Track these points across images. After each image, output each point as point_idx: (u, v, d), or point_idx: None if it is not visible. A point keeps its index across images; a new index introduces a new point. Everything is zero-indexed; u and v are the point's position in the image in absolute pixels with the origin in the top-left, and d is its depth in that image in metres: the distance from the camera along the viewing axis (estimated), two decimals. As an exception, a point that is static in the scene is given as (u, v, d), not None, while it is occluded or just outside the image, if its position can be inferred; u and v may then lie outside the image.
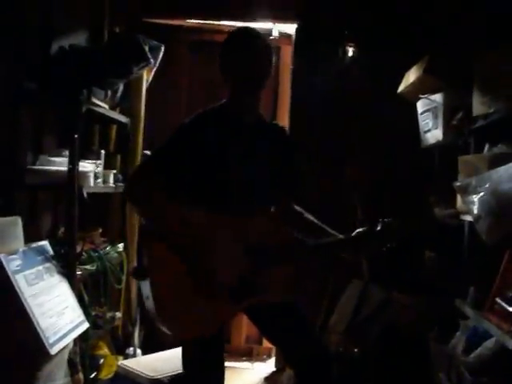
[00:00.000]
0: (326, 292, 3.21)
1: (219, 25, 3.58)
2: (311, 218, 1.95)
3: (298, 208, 1.98)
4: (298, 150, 2.05)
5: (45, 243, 2.39)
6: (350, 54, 3.44)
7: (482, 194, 2.10)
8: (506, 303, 2.06)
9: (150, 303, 1.70)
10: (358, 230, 1.80)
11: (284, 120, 3.60)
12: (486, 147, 2.46)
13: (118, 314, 3.03)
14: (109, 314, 2.90)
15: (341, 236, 1.84)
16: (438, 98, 2.85)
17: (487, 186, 2.10)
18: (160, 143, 1.79)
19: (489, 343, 2.10)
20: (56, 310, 2.24)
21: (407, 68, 3.04)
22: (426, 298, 2.85)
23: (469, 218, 2.33)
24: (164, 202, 1.72)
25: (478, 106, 2.41)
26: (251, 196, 1.82)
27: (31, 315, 2.05)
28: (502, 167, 2.11)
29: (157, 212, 1.73)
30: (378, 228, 1.78)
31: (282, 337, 1.86)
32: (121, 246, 3.01)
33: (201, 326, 1.71)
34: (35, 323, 2.05)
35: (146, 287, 1.71)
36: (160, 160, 1.77)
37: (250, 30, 1.87)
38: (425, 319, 2.75)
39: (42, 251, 2.33)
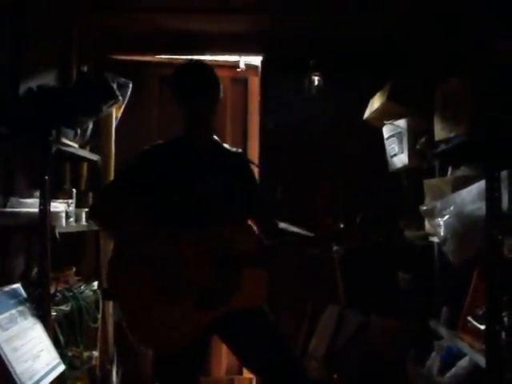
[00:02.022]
0: (304, 318, 3.23)
1: (187, 59, 3.63)
2: (298, 229, 2.06)
3: (282, 224, 2.09)
4: (251, 169, 2.15)
5: (17, 286, 2.36)
6: (316, 82, 3.52)
7: (447, 216, 2.17)
8: (477, 321, 2.11)
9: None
10: (338, 225, 1.94)
11: (254, 149, 3.65)
12: (449, 170, 2.54)
13: (95, 353, 2.99)
14: (85, 354, 2.86)
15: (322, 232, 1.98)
16: (402, 123, 2.94)
17: (451, 208, 2.17)
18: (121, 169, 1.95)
19: (463, 362, 2.14)
20: (31, 353, 2.20)
21: (372, 94, 3.13)
22: (402, 319, 2.90)
23: (437, 239, 2.39)
24: (128, 217, 1.84)
25: (440, 130, 2.49)
26: (208, 211, 1.90)
27: (6, 361, 2.02)
28: (465, 190, 2.18)
29: (120, 227, 1.84)
30: (357, 221, 1.93)
31: (258, 360, 1.89)
32: (95, 284, 2.99)
33: (174, 337, 1.76)
34: (10, 369, 2.01)
35: (117, 308, 1.79)
36: (122, 181, 1.92)
37: (194, 63, 2.03)
38: (401, 341, 2.78)
39: (14, 294, 2.30)
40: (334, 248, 2.05)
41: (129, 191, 1.88)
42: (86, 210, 2.93)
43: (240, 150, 2.16)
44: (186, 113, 1.97)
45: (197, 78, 1.93)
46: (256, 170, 2.22)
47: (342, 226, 1.95)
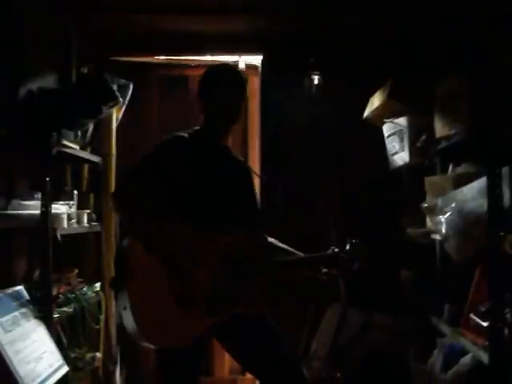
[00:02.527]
0: (306, 318, 3.23)
1: (187, 60, 3.64)
2: (285, 247, 2.06)
3: (271, 239, 2.08)
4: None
5: (20, 288, 2.36)
6: (316, 81, 3.52)
7: (448, 213, 2.17)
8: (480, 318, 2.10)
9: (127, 314, 1.71)
10: (330, 250, 1.96)
11: (254, 149, 3.66)
12: (450, 167, 2.54)
13: (98, 355, 2.99)
14: (88, 355, 2.86)
15: (314, 254, 2.00)
16: (402, 121, 2.93)
17: (453, 205, 2.16)
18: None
19: (466, 359, 2.14)
20: (34, 355, 2.21)
21: (372, 92, 3.13)
22: (405, 317, 2.89)
23: (439, 237, 2.38)
24: (152, 211, 1.79)
25: (440, 128, 2.49)
26: (228, 214, 1.90)
27: (9, 363, 2.02)
28: (466, 187, 2.18)
29: (144, 218, 1.79)
30: (347, 247, 1.94)
31: (258, 364, 1.89)
32: (98, 285, 3.00)
33: (178, 335, 1.75)
34: (13, 371, 2.02)
35: (123, 298, 1.72)
36: (145, 173, 1.83)
37: (232, 67, 2.12)
38: (404, 339, 2.78)
39: (17, 296, 2.31)
40: (325, 271, 2.05)
41: (156, 182, 1.84)
42: (88, 211, 2.95)
43: (244, 160, 2.21)
44: (215, 111, 1.98)
45: (235, 79, 1.99)
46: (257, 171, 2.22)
47: (335, 249, 1.97)
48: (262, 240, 1.96)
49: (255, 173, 2.25)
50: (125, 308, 1.71)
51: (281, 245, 2.06)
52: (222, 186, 1.94)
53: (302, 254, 2.01)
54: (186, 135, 1.94)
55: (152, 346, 1.77)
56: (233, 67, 2.12)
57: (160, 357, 1.88)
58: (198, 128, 2.02)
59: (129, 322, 1.71)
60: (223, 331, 1.88)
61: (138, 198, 1.79)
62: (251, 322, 1.88)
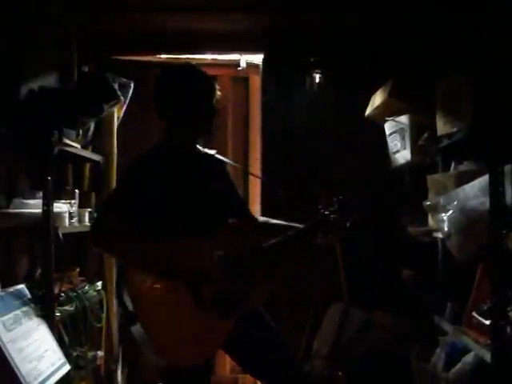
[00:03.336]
0: (308, 317, 3.23)
1: (188, 58, 3.64)
2: (279, 222, 2.08)
3: (262, 218, 2.13)
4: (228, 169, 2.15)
5: (21, 287, 2.36)
6: (317, 80, 3.52)
7: (450, 211, 2.16)
8: (482, 317, 2.10)
9: (146, 343, 1.67)
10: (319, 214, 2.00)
11: (256, 147, 3.65)
12: (452, 165, 2.54)
13: (100, 353, 3.00)
14: (90, 354, 2.87)
15: (306, 224, 2.01)
16: (403, 119, 2.93)
17: (455, 203, 2.16)
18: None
19: (468, 358, 2.13)
20: (36, 353, 2.21)
21: (374, 90, 3.12)
22: (406, 316, 2.89)
23: (441, 235, 2.38)
24: (134, 241, 1.72)
25: (442, 126, 2.49)
26: (210, 216, 1.86)
27: (11, 361, 2.02)
28: (468, 184, 2.18)
29: (128, 252, 1.72)
30: (335, 207, 1.98)
31: (258, 365, 1.89)
32: (99, 284, 3.00)
33: (200, 351, 1.72)
34: (15, 369, 2.02)
35: (137, 330, 1.68)
36: (120, 203, 1.75)
37: (189, 67, 1.95)
38: (406, 338, 2.78)
39: (19, 295, 2.31)
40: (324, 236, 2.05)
41: (131, 206, 1.75)
42: (89, 210, 2.95)
43: (212, 152, 2.09)
44: (182, 116, 1.89)
45: (198, 80, 1.89)
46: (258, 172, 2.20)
47: (322, 212, 1.99)
48: (255, 222, 1.95)
49: (252, 174, 2.22)
50: (144, 340, 1.67)
51: (273, 221, 2.06)
52: (200, 190, 1.88)
53: (295, 225, 2.00)
54: (150, 153, 1.87)
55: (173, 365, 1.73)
56: (193, 66, 1.95)
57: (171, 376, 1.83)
58: (160, 141, 1.95)
59: (149, 349, 1.67)
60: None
61: (116, 234, 1.71)
62: (250, 322, 1.86)
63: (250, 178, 3.63)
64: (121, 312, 1.88)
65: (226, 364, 3.62)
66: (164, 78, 1.91)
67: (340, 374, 2.81)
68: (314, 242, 2.06)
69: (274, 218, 2.17)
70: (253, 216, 2.11)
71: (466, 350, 2.18)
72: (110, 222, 1.71)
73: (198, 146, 2.01)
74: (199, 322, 1.72)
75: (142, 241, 1.72)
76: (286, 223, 2.03)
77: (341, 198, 1.99)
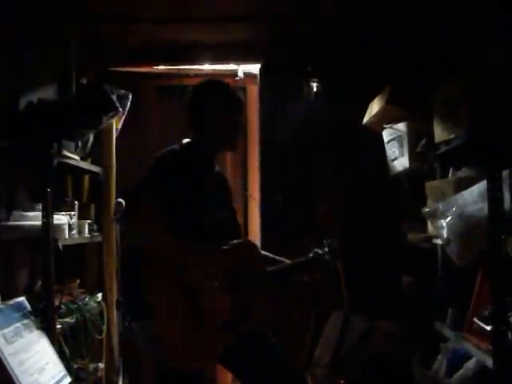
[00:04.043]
0: (309, 325, 3.22)
1: (186, 69, 3.66)
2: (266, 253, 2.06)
3: None
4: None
5: (22, 299, 2.36)
6: (315, 89, 3.53)
7: (449, 218, 2.17)
8: (483, 322, 2.10)
9: (149, 342, 1.71)
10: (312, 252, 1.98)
11: (254, 157, 3.66)
12: (451, 172, 2.55)
13: (101, 365, 2.99)
14: (91, 366, 2.86)
15: (292, 261, 2.00)
16: (401, 126, 2.94)
17: (454, 209, 2.17)
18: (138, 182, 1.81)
19: (470, 364, 2.13)
20: (37, 366, 2.21)
21: (371, 98, 3.14)
22: (407, 323, 2.88)
23: (440, 241, 2.38)
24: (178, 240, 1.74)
25: (440, 132, 2.49)
26: (224, 229, 1.92)
27: (12, 374, 2.02)
28: (467, 190, 2.18)
29: (163, 241, 1.73)
30: (325, 249, 1.95)
31: (256, 378, 1.88)
32: (99, 295, 2.99)
33: (202, 357, 1.75)
34: (16, 382, 2.02)
35: (146, 329, 1.73)
36: (155, 197, 1.76)
37: (226, 83, 2.01)
38: (407, 345, 2.77)
39: (19, 308, 2.31)
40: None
41: (163, 197, 1.76)
42: (89, 221, 2.95)
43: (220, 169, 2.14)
44: (213, 127, 1.93)
45: (234, 96, 1.97)
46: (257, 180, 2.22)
47: (315, 251, 1.98)
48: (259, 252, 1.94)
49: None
50: (147, 339, 1.71)
51: (267, 254, 2.05)
52: (213, 201, 1.93)
53: (287, 261, 2.01)
54: (180, 150, 1.91)
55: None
56: (228, 85, 2.01)
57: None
58: (189, 142, 1.97)
59: (151, 347, 1.73)
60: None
61: (152, 220, 1.72)
62: (252, 338, 1.87)
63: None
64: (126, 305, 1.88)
65: (227, 373, 3.60)
66: (202, 88, 1.98)
67: (342, 382, 2.80)
68: (300, 278, 2.07)
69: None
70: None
71: (467, 356, 2.18)
72: (146, 206, 1.72)
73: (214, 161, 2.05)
74: (203, 330, 1.74)
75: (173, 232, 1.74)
76: (273, 256, 2.04)
77: (330, 241, 1.97)
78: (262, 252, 2.00)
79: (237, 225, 2.11)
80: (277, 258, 2.04)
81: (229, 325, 1.78)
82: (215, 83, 2.00)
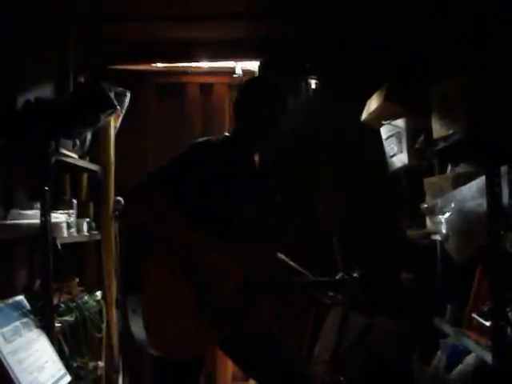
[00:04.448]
0: (308, 322, 3.22)
1: (184, 66, 3.66)
2: (293, 263, 2.05)
3: (281, 256, 2.07)
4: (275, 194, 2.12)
5: (21, 298, 2.36)
6: (313, 86, 3.53)
7: (448, 213, 2.17)
8: (483, 318, 2.10)
9: (136, 318, 1.70)
10: (338, 275, 1.96)
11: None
12: (449, 168, 2.55)
13: (101, 363, 2.99)
14: (91, 364, 2.86)
15: (323, 278, 1.98)
16: (400, 123, 2.94)
17: (452, 205, 2.16)
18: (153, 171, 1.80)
19: (469, 359, 2.13)
20: (36, 365, 2.20)
21: (369, 94, 3.13)
22: (407, 319, 2.88)
23: (439, 237, 2.38)
24: (175, 218, 1.74)
25: (438, 128, 2.49)
26: (252, 227, 1.90)
27: (11, 373, 2.02)
28: (465, 186, 2.18)
29: (164, 224, 1.75)
30: (355, 275, 1.95)
31: (260, 371, 1.89)
32: (99, 293, 2.99)
33: (186, 346, 1.74)
34: (15, 381, 2.02)
35: (134, 301, 1.71)
36: (171, 177, 1.77)
37: (273, 81, 2.02)
38: (407, 341, 2.77)
39: (18, 306, 2.31)
40: (330, 294, 2.06)
41: (178, 188, 1.77)
42: (87, 219, 2.95)
43: (267, 172, 2.12)
44: (254, 127, 1.92)
45: (283, 94, 1.95)
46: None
47: (341, 275, 1.96)
48: (272, 256, 1.93)
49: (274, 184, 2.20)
50: (134, 311, 1.70)
51: (290, 263, 2.04)
52: (245, 199, 1.90)
53: (310, 276, 2.00)
54: (218, 142, 1.90)
55: (156, 354, 1.75)
56: (273, 81, 2.01)
57: (160, 366, 1.85)
58: (228, 136, 1.97)
59: (137, 326, 1.70)
60: (228, 343, 1.87)
61: (156, 202, 1.73)
62: (257, 338, 1.87)
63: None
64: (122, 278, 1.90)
65: (227, 372, 3.61)
66: (251, 84, 2.01)
67: (342, 378, 2.80)
68: (319, 297, 2.08)
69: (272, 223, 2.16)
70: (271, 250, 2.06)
71: (466, 352, 2.18)
72: (154, 189, 1.73)
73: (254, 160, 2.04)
74: (194, 321, 1.73)
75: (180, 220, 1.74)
76: (300, 269, 2.02)
77: (362, 271, 1.96)
78: (285, 260, 2.01)
79: (266, 230, 2.04)
80: (299, 269, 2.02)
81: (227, 313, 1.77)
82: (267, 80, 2.06)
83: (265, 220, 2.00)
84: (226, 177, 1.83)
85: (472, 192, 2.12)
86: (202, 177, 1.79)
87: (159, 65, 3.65)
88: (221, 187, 1.83)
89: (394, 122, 2.98)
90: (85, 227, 2.88)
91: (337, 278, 1.96)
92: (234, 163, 1.88)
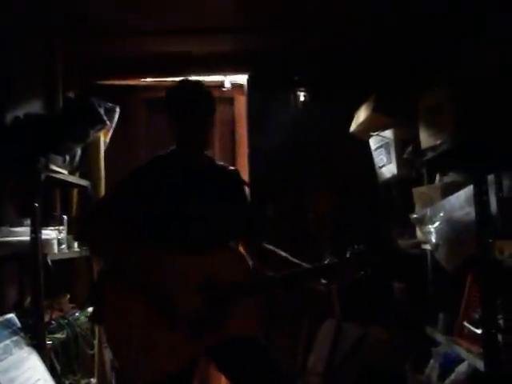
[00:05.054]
0: (302, 334, 3.22)
1: (173, 81, 3.67)
2: (283, 254, 1.99)
3: (268, 246, 2.02)
4: (244, 189, 2.11)
5: (11, 316, 2.34)
6: (302, 98, 3.56)
7: (437, 223, 2.19)
8: (474, 326, 2.11)
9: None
10: (329, 259, 1.87)
11: (244, 167, 3.67)
12: (437, 177, 2.57)
13: (93, 380, 2.96)
14: (83, 381, 2.83)
15: (311, 266, 1.89)
16: (388, 134, 2.97)
17: (442, 215, 2.18)
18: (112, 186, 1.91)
19: (462, 367, 2.14)
20: (28, 383, 2.18)
21: (357, 106, 3.16)
22: (400, 329, 2.89)
23: (429, 246, 2.40)
24: (119, 241, 1.80)
25: (426, 138, 2.52)
26: (204, 232, 1.85)
27: (2, 392, 2.00)
28: (453, 196, 2.21)
29: (111, 250, 1.80)
30: (348, 255, 1.85)
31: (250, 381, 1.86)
32: (90, 310, 2.97)
33: (161, 366, 1.72)
34: (7, 400, 2.00)
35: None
36: (114, 202, 1.86)
37: (189, 81, 2.03)
38: (400, 351, 2.78)
39: (8, 324, 2.28)
40: (324, 281, 1.95)
41: (120, 212, 1.84)
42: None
43: (235, 169, 2.12)
44: (177, 130, 1.93)
45: (186, 94, 1.94)
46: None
47: (332, 259, 1.88)
48: (244, 263, 1.86)
49: (246, 183, 2.17)
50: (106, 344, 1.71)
51: (281, 253, 1.98)
52: (197, 203, 1.88)
53: (303, 265, 1.92)
54: (156, 158, 1.95)
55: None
56: (192, 82, 2.01)
57: None
58: (172, 148, 1.98)
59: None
60: (215, 353, 1.86)
61: (101, 234, 1.80)
62: (243, 343, 1.83)
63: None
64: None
65: (220, 380, 3.58)
66: (168, 92, 1.98)
67: (336, 390, 2.80)
68: (313, 286, 2.03)
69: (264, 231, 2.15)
70: (259, 242, 2.04)
71: (459, 360, 2.19)
72: (98, 219, 1.82)
73: (211, 159, 2.04)
74: (161, 337, 1.72)
75: (127, 244, 1.79)
76: (292, 259, 1.95)
77: (356, 247, 1.87)
78: (281, 253, 1.97)
79: (247, 228, 2.02)
80: (291, 259, 1.96)
81: (198, 329, 1.75)
82: (173, 87, 1.99)
83: (233, 218, 1.96)
84: (168, 187, 1.86)
85: (460, 201, 2.14)
86: (150, 186, 1.85)
87: (148, 80, 3.66)
88: (165, 198, 1.85)
89: (383, 133, 3.01)
90: (75, 243, 2.86)
91: (327, 262, 1.87)
92: (175, 171, 1.90)
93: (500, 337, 1.88)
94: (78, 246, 2.88)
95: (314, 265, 1.90)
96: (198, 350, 1.78)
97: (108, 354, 3.10)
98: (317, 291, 2.03)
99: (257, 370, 1.84)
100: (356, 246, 1.88)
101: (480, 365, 1.93)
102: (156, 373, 1.72)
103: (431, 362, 2.39)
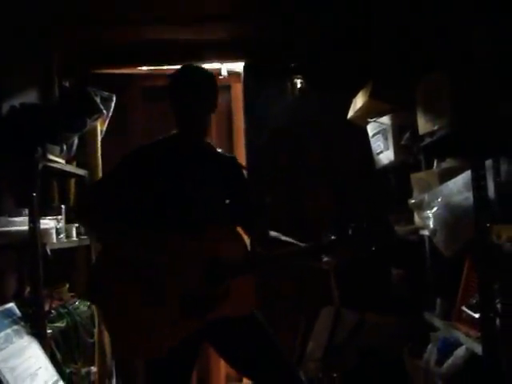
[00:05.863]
0: (300, 321, 3.23)
1: (170, 69, 3.65)
2: (289, 239, 2.00)
3: (273, 233, 2.04)
4: (243, 175, 2.13)
5: (11, 305, 2.35)
6: (299, 85, 3.54)
7: (435, 208, 2.19)
8: (472, 310, 2.12)
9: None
10: (329, 237, 1.87)
11: (241, 155, 3.66)
12: (435, 163, 2.57)
13: (94, 369, 2.98)
14: (84, 370, 2.85)
15: (312, 243, 1.91)
16: (385, 120, 2.96)
17: (439, 200, 2.19)
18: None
19: (460, 352, 2.15)
20: (29, 372, 2.20)
21: (355, 93, 3.15)
22: (398, 315, 2.91)
23: (427, 232, 2.40)
24: (115, 220, 1.84)
25: (423, 124, 2.51)
26: (201, 215, 1.87)
27: (3, 380, 2.02)
28: (451, 181, 2.21)
29: (109, 227, 1.85)
30: (349, 233, 1.84)
31: (251, 366, 1.88)
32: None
33: (154, 344, 1.75)
34: (8, 388, 2.01)
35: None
36: (110, 182, 1.92)
37: (191, 66, 2.05)
38: (398, 336, 2.79)
39: (9, 314, 2.30)
40: (325, 259, 1.97)
41: (117, 193, 1.87)
42: (76, 225, 2.93)
43: (233, 155, 2.15)
44: (177, 114, 1.95)
45: (186, 78, 1.97)
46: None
47: (333, 237, 1.86)
48: (241, 241, 1.86)
49: (244, 168, 2.19)
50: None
51: (283, 238, 2.00)
52: (196, 186, 1.90)
53: (302, 245, 1.93)
54: (154, 143, 1.99)
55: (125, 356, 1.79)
56: (190, 67, 2.04)
57: (149, 368, 1.86)
58: (173, 132, 2.01)
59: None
60: (213, 335, 1.87)
61: (98, 213, 1.85)
62: (241, 324, 1.84)
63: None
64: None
65: (220, 373, 3.61)
66: (170, 76, 2.01)
67: (334, 375, 2.82)
68: (310, 264, 2.05)
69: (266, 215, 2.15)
70: (258, 228, 2.05)
71: (457, 344, 2.19)
72: (96, 199, 1.87)
73: (210, 145, 2.06)
74: (153, 314, 1.75)
75: (122, 222, 1.84)
76: (295, 241, 1.96)
77: (356, 225, 1.85)
78: (282, 237, 1.99)
79: (246, 213, 2.03)
80: (285, 239, 1.99)
81: (192, 308, 1.77)
82: (176, 71, 2.01)
83: (231, 203, 1.99)
84: (168, 169, 1.90)
85: (458, 186, 2.14)
86: (151, 167, 1.88)
87: (145, 68, 3.64)
88: (165, 180, 1.88)
89: (380, 119, 2.99)
90: (74, 232, 2.86)
91: (329, 239, 1.85)
92: (176, 154, 1.94)
93: (498, 321, 1.89)
94: (77, 235, 2.89)
95: (316, 242, 1.90)
96: (191, 329, 1.78)
97: (108, 342, 3.12)
98: (318, 272, 2.04)
99: (254, 349, 1.85)
100: (356, 224, 1.87)
101: (478, 349, 1.94)
102: (152, 350, 1.75)
103: (429, 346, 2.40)
